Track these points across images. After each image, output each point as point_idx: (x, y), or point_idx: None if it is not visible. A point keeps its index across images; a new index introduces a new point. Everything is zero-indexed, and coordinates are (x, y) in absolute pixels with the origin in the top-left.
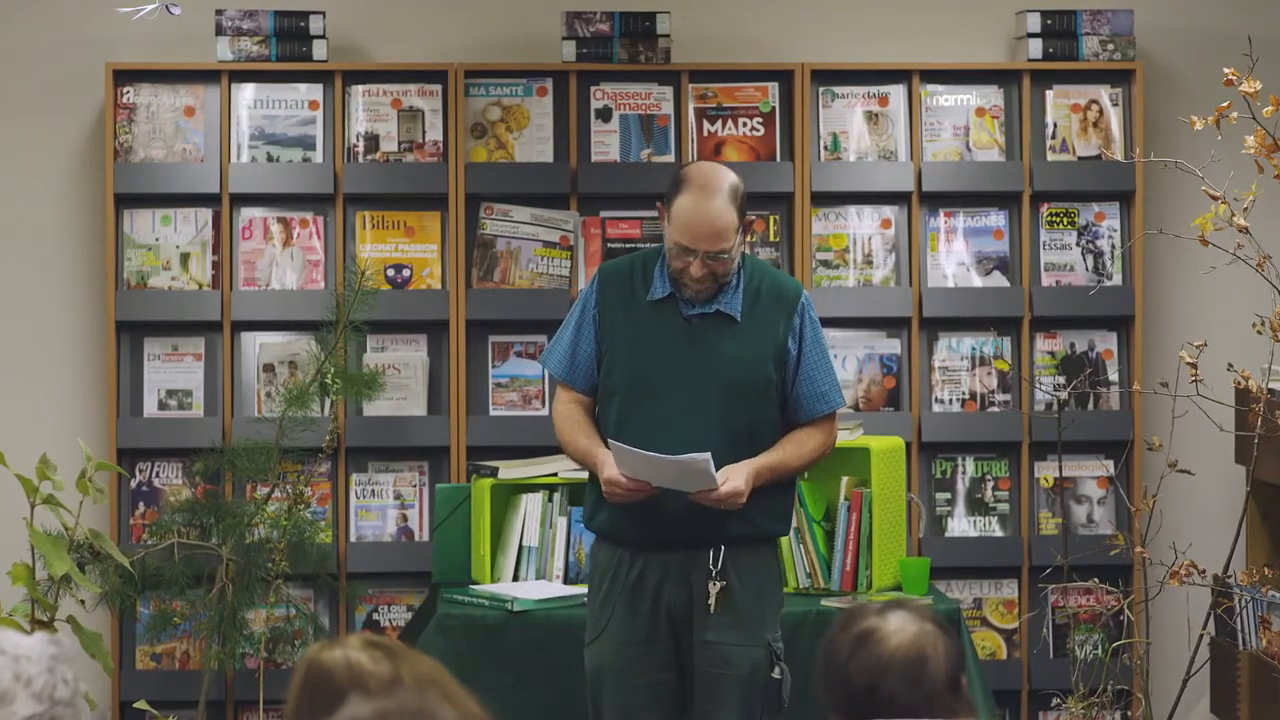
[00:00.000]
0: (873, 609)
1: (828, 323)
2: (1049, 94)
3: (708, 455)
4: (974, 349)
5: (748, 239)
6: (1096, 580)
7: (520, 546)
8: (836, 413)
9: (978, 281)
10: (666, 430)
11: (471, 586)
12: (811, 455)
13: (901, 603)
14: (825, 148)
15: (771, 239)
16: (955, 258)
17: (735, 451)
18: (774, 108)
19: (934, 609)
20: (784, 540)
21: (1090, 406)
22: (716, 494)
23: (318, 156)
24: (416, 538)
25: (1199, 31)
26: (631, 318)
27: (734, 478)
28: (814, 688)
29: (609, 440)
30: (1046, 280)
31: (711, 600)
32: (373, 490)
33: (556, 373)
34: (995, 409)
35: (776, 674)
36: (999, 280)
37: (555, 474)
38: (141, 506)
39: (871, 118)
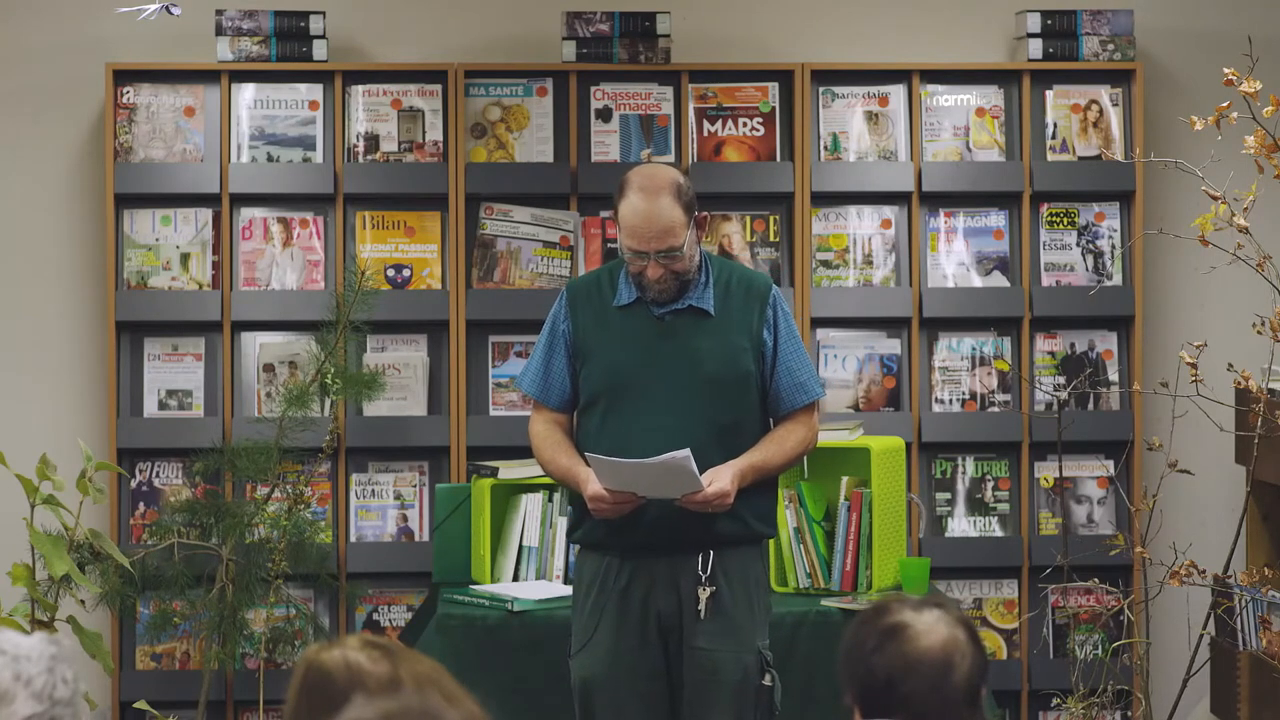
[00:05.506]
0: (910, 602)
1: (828, 323)
2: (1049, 94)
3: (686, 451)
4: (974, 349)
5: (703, 234)
6: (1096, 580)
7: (520, 546)
8: (817, 404)
9: (978, 281)
10: (649, 429)
11: (471, 587)
12: (794, 452)
13: (938, 602)
14: (825, 148)
15: (771, 239)
16: (955, 258)
17: (720, 446)
18: (774, 108)
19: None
20: (784, 540)
21: (1090, 406)
22: (703, 495)
23: (318, 156)
24: (416, 538)
25: (1199, 31)
26: (603, 326)
27: (719, 479)
28: (814, 687)
29: (586, 455)
30: (1046, 280)
31: (701, 606)
32: (373, 490)
33: (531, 392)
34: (995, 409)
35: (767, 681)
36: (999, 280)
37: (544, 473)
38: (141, 506)
39: (871, 118)
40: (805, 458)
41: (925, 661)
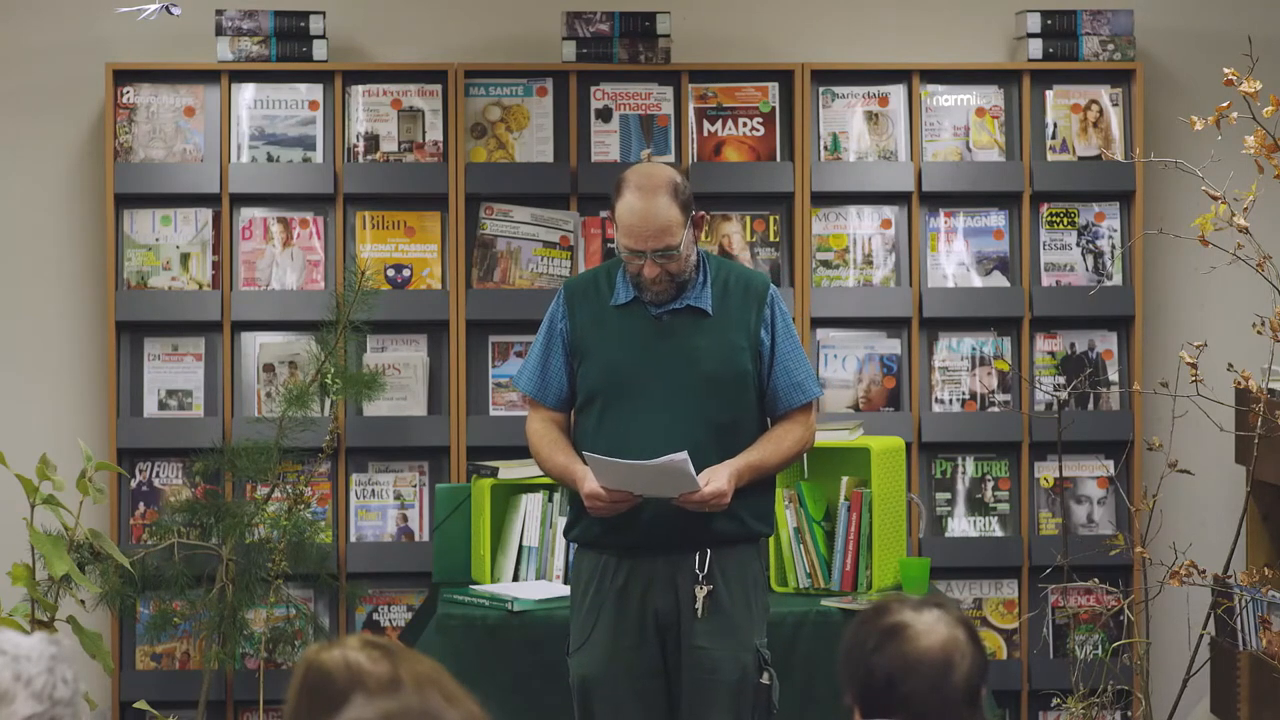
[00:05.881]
0: (910, 602)
1: (828, 323)
2: (1049, 94)
3: (684, 455)
4: (974, 349)
5: (699, 233)
6: (1096, 580)
7: (520, 546)
8: (815, 403)
9: (978, 281)
10: (648, 429)
11: (471, 587)
12: (791, 451)
13: (938, 602)
14: (825, 148)
15: (771, 239)
16: (955, 258)
17: (718, 445)
18: (774, 108)
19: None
20: (784, 540)
21: (1090, 406)
22: (700, 495)
23: (318, 156)
24: (416, 538)
25: (1199, 31)
26: (601, 325)
27: (716, 478)
28: (813, 687)
29: (585, 454)
30: (1046, 280)
31: (699, 605)
32: (373, 490)
33: (528, 390)
34: (995, 409)
35: (765, 679)
36: (999, 280)
37: (541, 471)
38: (141, 506)
39: (871, 118)
40: (805, 457)
41: (925, 661)
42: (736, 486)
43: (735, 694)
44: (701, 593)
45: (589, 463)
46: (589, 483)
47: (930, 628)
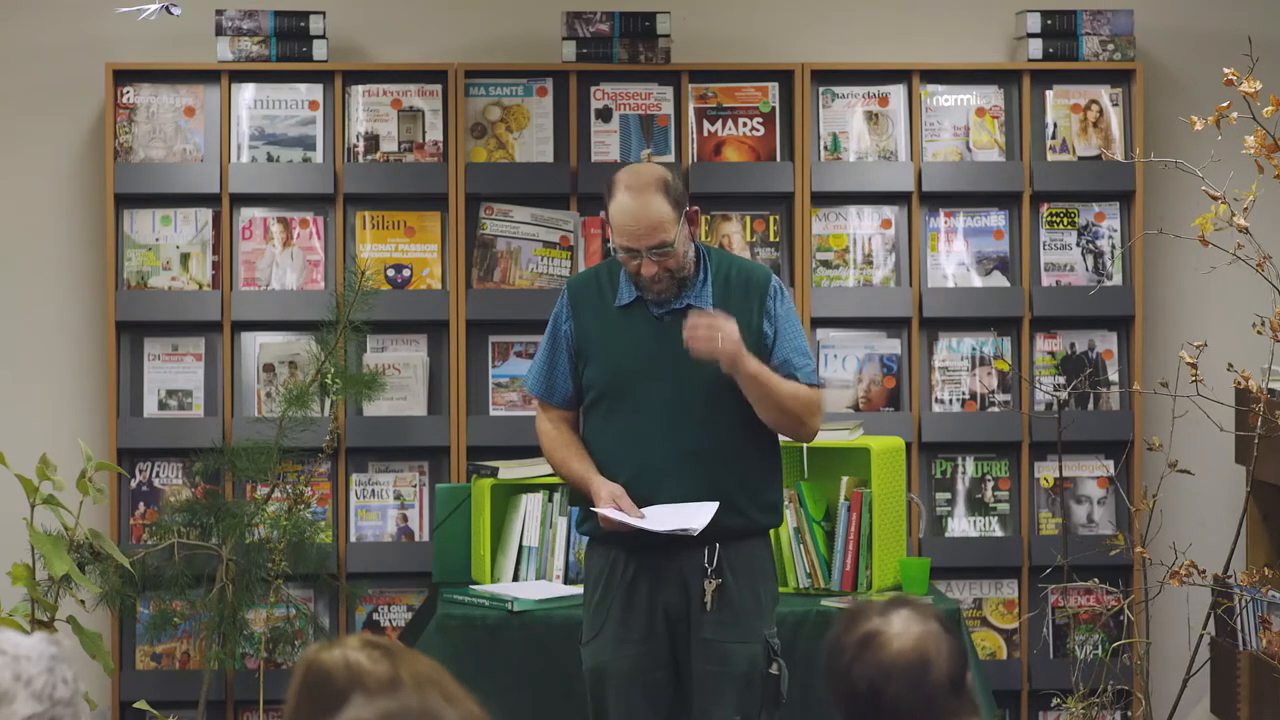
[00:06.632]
0: (876, 608)
1: (828, 323)
2: (1049, 94)
3: (696, 530)
4: (974, 349)
5: (696, 229)
6: (1096, 580)
7: (520, 546)
8: (818, 390)
9: (978, 281)
10: (650, 431)
11: (471, 587)
12: (795, 395)
13: (905, 601)
14: (825, 148)
15: (771, 239)
16: (955, 258)
17: (720, 446)
18: (774, 108)
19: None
20: (784, 540)
21: (1090, 406)
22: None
23: (318, 156)
24: (417, 538)
25: (1199, 31)
26: (604, 325)
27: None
28: (814, 686)
29: (595, 510)
30: (1046, 280)
31: (708, 598)
32: (373, 490)
33: (535, 391)
34: (995, 409)
35: (774, 670)
36: (999, 280)
37: (555, 474)
38: (141, 506)
39: (871, 118)
40: (804, 457)
41: (900, 665)
42: (741, 369)
43: (744, 685)
44: (710, 586)
45: (603, 521)
46: (604, 501)
47: (902, 630)
